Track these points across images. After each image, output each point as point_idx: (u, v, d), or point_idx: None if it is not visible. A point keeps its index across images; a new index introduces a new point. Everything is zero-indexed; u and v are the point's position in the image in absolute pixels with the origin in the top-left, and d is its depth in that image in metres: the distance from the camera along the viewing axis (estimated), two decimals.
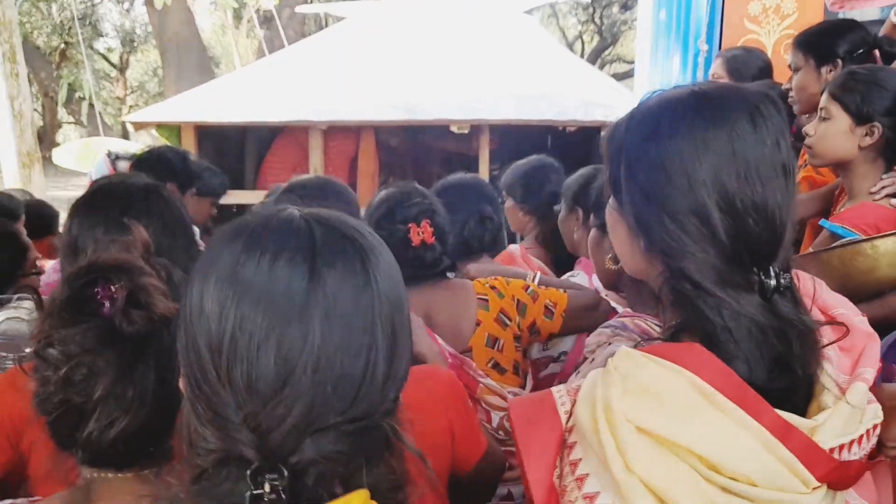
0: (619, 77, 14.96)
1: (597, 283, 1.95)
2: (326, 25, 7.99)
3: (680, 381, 0.78)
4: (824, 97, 1.86)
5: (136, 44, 16.20)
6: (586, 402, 0.82)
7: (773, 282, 0.81)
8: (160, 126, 4.46)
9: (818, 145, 1.85)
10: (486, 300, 1.75)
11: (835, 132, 1.82)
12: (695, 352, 0.80)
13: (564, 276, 2.13)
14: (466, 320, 1.72)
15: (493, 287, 1.77)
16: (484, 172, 4.47)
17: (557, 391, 0.86)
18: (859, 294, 1.44)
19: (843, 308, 0.92)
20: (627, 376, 0.80)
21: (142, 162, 2.88)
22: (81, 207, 1.34)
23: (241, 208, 4.38)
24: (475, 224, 2.09)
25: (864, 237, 1.57)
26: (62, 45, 13.41)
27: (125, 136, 12.22)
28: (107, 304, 0.85)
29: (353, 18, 5.43)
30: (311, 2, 9.27)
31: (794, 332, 0.81)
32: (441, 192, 2.12)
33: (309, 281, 0.68)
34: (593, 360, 1.34)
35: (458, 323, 1.72)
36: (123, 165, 4.08)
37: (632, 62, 11.20)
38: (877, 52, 2.20)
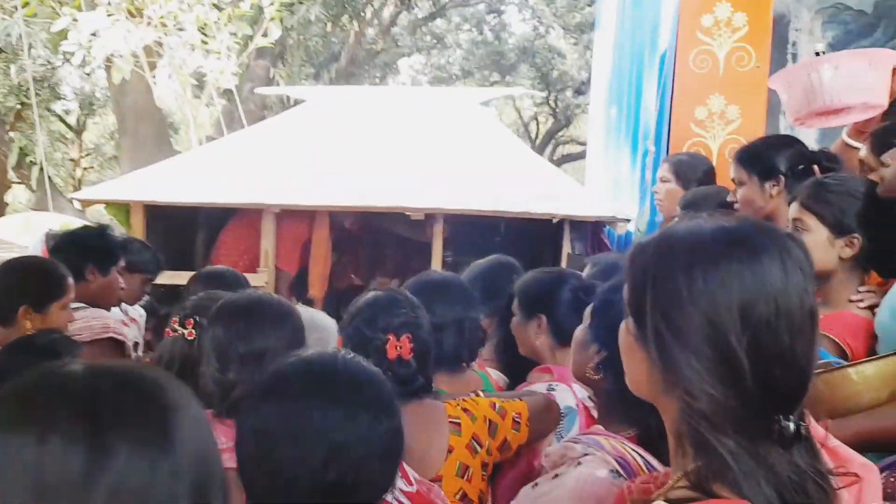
0: (573, 157, 15.38)
1: (579, 392, 1.91)
2: (289, 101, 8.03)
3: None
4: (795, 209, 1.86)
5: (94, 107, 16.07)
6: None
7: (793, 431, 0.79)
8: (108, 204, 4.38)
9: None
10: (459, 424, 1.66)
11: (813, 245, 1.77)
12: None
13: (537, 387, 2.03)
14: (438, 446, 1.64)
15: (465, 409, 1.69)
16: (437, 260, 4.47)
17: None
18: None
19: (834, 439, 0.90)
20: None
21: (57, 250, 2.77)
22: None
23: None
24: (469, 332, 2.00)
25: (850, 363, 1.53)
26: (18, 106, 13.22)
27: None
28: None
29: (312, 103, 5.48)
30: (273, 79, 9.38)
31: (813, 486, 0.79)
32: (424, 289, 2.00)
33: (90, 459, 0.58)
34: (557, 475, 1.28)
35: (428, 448, 1.63)
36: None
37: (584, 143, 11.50)
38: (816, 168, 2.28)
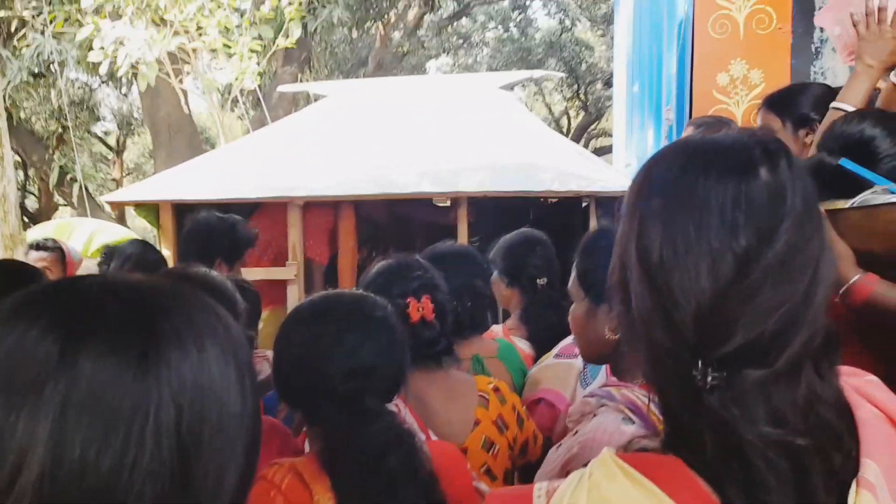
0: (606, 150, 15.18)
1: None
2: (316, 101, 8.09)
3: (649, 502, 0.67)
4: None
5: (132, 126, 16.45)
6: None
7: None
8: (138, 206, 4.46)
9: None
10: (487, 399, 1.62)
11: None
12: (674, 468, 0.69)
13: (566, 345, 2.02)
14: (464, 416, 1.59)
15: (496, 389, 1.65)
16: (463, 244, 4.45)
17: (538, 488, 0.77)
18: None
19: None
20: (595, 487, 0.71)
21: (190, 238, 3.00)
22: None
23: None
24: (470, 300, 1.97)
25: None
26: (59, 130, 13.61)
27: (122, 217, 12.33)
28: None
29: (334, 97, 5.52)
30: (301, 79, 9.48)
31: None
32: (429, 262, 2.07)
33: (57, 354, 0.56)
34: (577, 431, 1.30)
35: (453, 416, 1.59)
36: (34, 256, 3.68)
37: None
38: None
